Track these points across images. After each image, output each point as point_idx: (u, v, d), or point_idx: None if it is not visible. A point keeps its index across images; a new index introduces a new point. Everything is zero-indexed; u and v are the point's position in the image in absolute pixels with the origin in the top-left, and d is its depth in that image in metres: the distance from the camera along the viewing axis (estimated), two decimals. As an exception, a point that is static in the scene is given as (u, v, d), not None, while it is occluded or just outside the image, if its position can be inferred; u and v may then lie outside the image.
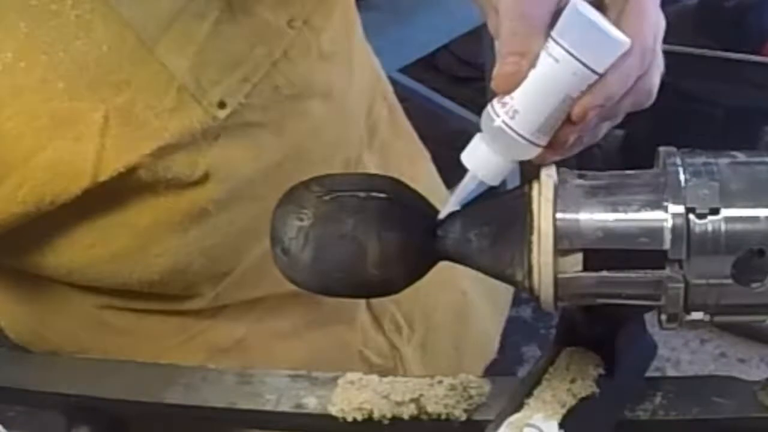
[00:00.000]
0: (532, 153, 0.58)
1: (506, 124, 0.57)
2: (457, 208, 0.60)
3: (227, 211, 0.77)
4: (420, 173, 1.04)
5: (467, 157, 0.59)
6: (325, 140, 0.83)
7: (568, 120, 0.57)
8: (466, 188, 0.60)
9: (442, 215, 0.60)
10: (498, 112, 0.57)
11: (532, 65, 0.56)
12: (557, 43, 0.56)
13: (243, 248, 0.82)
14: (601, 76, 0.55)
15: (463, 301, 1.10)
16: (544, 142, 0.58)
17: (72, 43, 0.66)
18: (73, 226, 0.74)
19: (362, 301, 0.94)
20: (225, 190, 0.76)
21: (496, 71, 0.57)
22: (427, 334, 1.02)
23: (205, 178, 0.74)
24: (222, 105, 0.72)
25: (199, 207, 0.76)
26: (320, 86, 0.81)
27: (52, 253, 0.76)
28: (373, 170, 0.92)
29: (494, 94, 0.58)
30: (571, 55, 0.55)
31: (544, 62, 0.56)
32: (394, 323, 0.97)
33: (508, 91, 0.57)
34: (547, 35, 0.56)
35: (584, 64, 0.55)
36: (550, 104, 0.56)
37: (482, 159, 0.59)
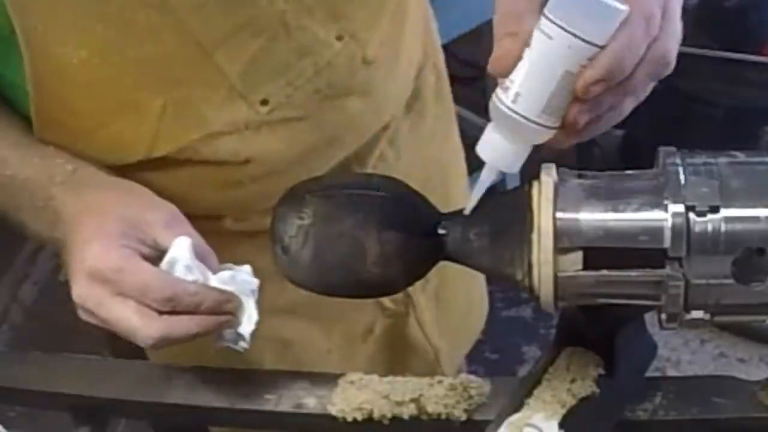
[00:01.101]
0: (544, 136, 0.58)
1: (510, 109, 0.57)
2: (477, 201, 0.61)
3: (260, 184, 0.83)
4: (448, 151, 1.06)
5: (482, 149, 0.59)
6: (359, 131, 0.88)
7: (575, 98, 0.56)
8: (487, 179, 0.60)
9: (467, 210, 0.61)
10: (501, 98, 0.57)
11: (527, 45, 0.56)
12: (548, 18, 0.55)
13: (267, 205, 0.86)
14: (601, 47, 0.55)
15: None
16: (554, 123, 0.57)
17: (141, 46, 0.72)
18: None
19: None
20: (262, 170, 0.82)
21: (492, 55, 0.58)
22: (440, 285, 1.04)
23: (246, 162, 0.81)
24: (265, 102, 0.79)
25: (236, 180, 0.82)
26: (360, 87, 0.85)
27: None
28: (404, 135, 0.95)
29: (495, 86, 0.58)
30: (563, 29, 0.55)
31: (538, 40, 0.56)
32: None
33: (503, 74, 0.57)
34: (540, 13, 0.56)
35: (578, 37, 0.55)
36: (550, 83, 0.56)
37: (496, 148, 0.59)
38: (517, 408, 0.63)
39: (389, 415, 0.69)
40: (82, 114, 0.76)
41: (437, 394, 0.69)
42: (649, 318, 0.63)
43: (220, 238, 0.80)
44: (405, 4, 0.91)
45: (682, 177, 0.56)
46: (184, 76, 0.76)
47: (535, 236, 0.55)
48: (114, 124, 0.77)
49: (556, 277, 0.56)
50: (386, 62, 0.87)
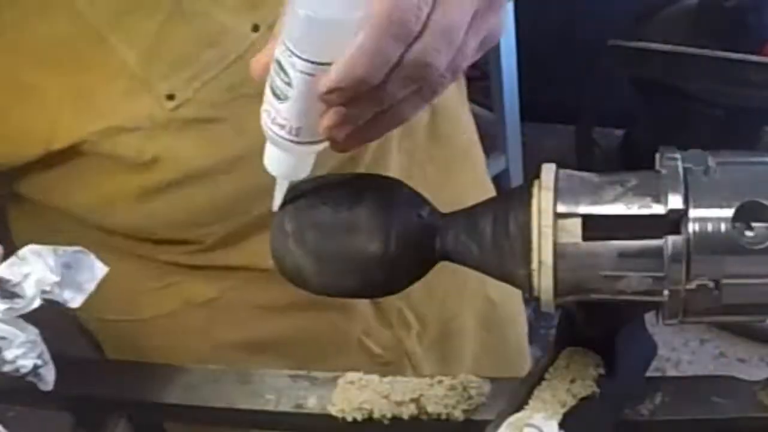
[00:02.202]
0: (318, 149, 0.58)
1: (280, 137, 0.57)
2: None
3: (185, 190, 0.79)
4: (452, 180, 0.97)
5: (268, 163, 0.59)
6: None
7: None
8: (281, 190, 0.61)
9: (274, 207, 0.61)
10: (273, 129, 0.57)
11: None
12: (294, 54, 0.53)
13: (205, 223, 0.83)
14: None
15: (491, 309, 1.06)
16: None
17: (35, 27, 0.71)
18: (46, 180, 0.81)
19: None
20: (177, 174, 0.78)
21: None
22: (445, 339, 1.00)
23: (153, 163, 0.77)
24: (171, 97, 0.74)
25: (153, 185, 0.79)
26: None
27: (43, 194, 0.83)
28: (393, 170, 0.88)
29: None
30: (301, 58, 0.53)
31: (297, 78, 0.54)
32: (402, 320, 0.95)
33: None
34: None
35: (326, 63, 0.53)
36: (316, 109, 0.55)
37: (280, 162, 0.59)
38: (517, 408, 0.63)
39: (389, 415, 0.69)
40: None
41: (437, 394, 0.69)
42: (649, 318, 0.63)
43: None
44: None
45: (682, 177, 0.56)
46: (81, 60, 0.72)
47: (535, 236, 0.55)
48: (12, 113, 0.74)
49: (556, 277, 0.56)
50: None
